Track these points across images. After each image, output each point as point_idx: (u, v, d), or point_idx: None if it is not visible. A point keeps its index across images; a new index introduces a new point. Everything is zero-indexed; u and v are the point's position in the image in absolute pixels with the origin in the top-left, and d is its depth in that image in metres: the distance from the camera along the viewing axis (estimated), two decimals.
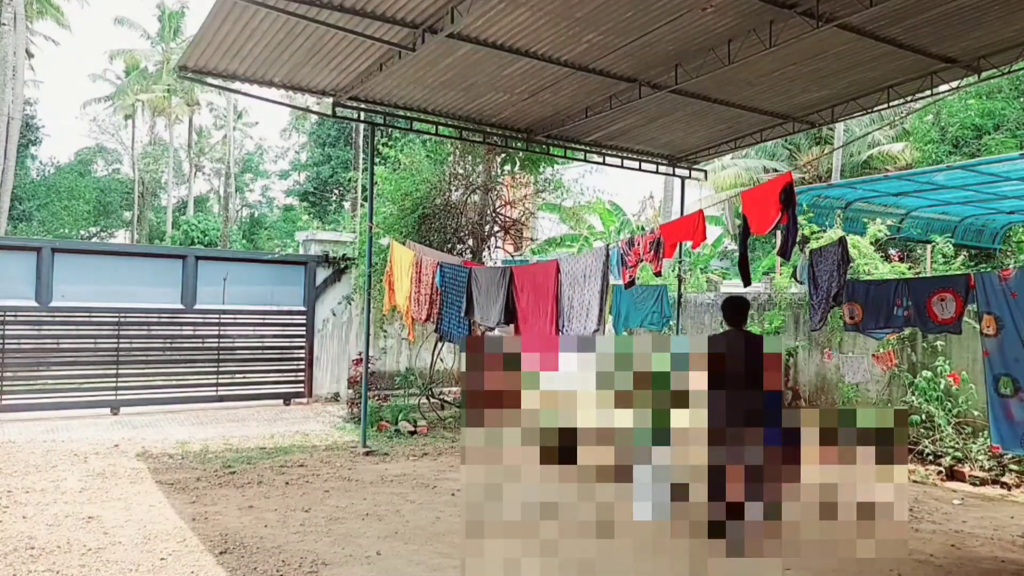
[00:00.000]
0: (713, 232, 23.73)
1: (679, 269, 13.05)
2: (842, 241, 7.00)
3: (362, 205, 16.10)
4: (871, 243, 11.29)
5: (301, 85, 8.85)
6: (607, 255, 7.32)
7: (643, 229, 15.73)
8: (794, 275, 10.43)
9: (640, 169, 11.85)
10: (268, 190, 50.89)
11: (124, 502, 6.71)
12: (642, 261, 7.15)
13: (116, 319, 11.75)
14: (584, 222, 19.76)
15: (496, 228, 12.83)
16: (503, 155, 12.44)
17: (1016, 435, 5.69)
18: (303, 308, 13.44)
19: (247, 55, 7.83)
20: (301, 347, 13.39)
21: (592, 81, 8.57)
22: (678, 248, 7.92)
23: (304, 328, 13.39)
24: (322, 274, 13.68)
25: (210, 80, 8.51)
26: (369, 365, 10.15)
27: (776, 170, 23.27)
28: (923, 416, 9.10)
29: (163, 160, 41.15)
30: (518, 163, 12.58)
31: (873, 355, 9.53)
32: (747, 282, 6.80)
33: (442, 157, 12.74)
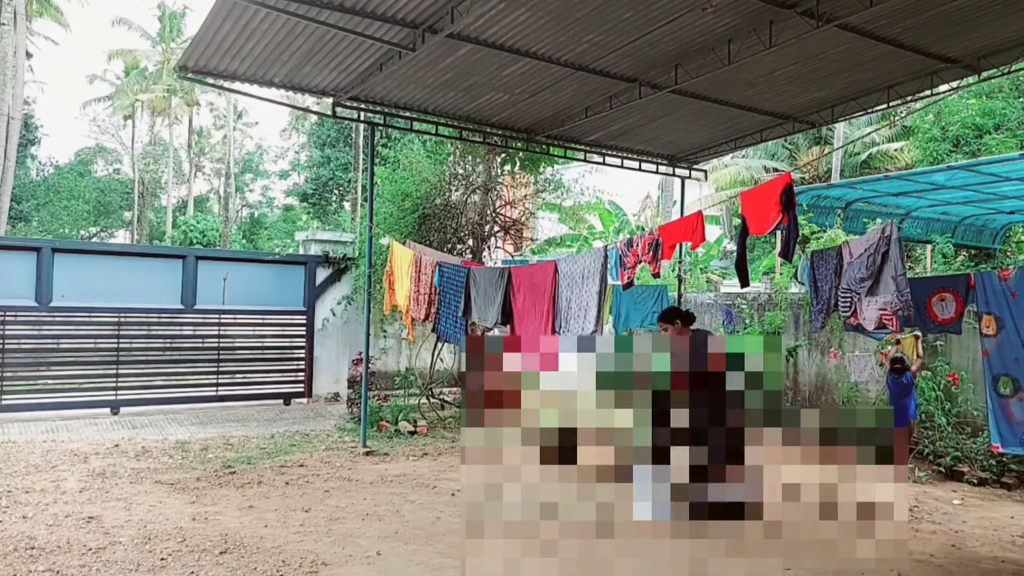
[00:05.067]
0: (713, 232, 23.74)
1: (679, 269, 13.05)
2: (841, 248, 6.99)
3: (362, 205, 16.08)
4: None
5: (301, 85, 8.85)
6: (605, 256, 7.32)
7: (642, 229, 15.74)
8: (795, 276, 10.44)
9: (640, 169, 11.85)
10: (268, 190, 50.92)
11: (124, 502, 6.71)
12: (641, 262, 7.15)
13: (116, 319, 11.75)
14: (584, 222, 19.76)
15: (496, 228, 12.84)
16: (503, 155, 12.44)
17: (1016, 435, 5.69)
18: (303, 308, 13.44)
19: (247, 55, 7.83)
20: (301, 347, 13.39)
21: (592, 81, 8.57)
22: (678, 248, 7.92)
23: (304, 328, 13.39)
24: (322, 274, 13.68)
25: (210, 80, 8.51)
26: (369, 365, 10.15)
27: (776, 170, 23.27)
28: (923, 416, 9.10)
29: (163, 160, 41.16)
30: (518, 163, 12.59)
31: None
32: (745, 283, 6.80)
33: (442, 157, 12.75)
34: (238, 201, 45.91)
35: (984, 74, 8.24)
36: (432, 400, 12.09)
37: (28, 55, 26.93)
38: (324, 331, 13.48)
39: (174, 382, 12.42)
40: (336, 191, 35.98)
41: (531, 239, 16.17)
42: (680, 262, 13.10)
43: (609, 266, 7.36)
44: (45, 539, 5.64)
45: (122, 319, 11.80)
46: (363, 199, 18.87)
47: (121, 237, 42.70)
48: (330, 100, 9.21)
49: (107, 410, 11.59)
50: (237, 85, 8.70)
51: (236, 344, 12.82)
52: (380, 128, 10.45)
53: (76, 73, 76.54)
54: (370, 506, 6.89)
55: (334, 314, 13.53)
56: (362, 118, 10.05)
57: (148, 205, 41.26)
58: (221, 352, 12.67)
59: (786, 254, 6.34)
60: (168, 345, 12.32)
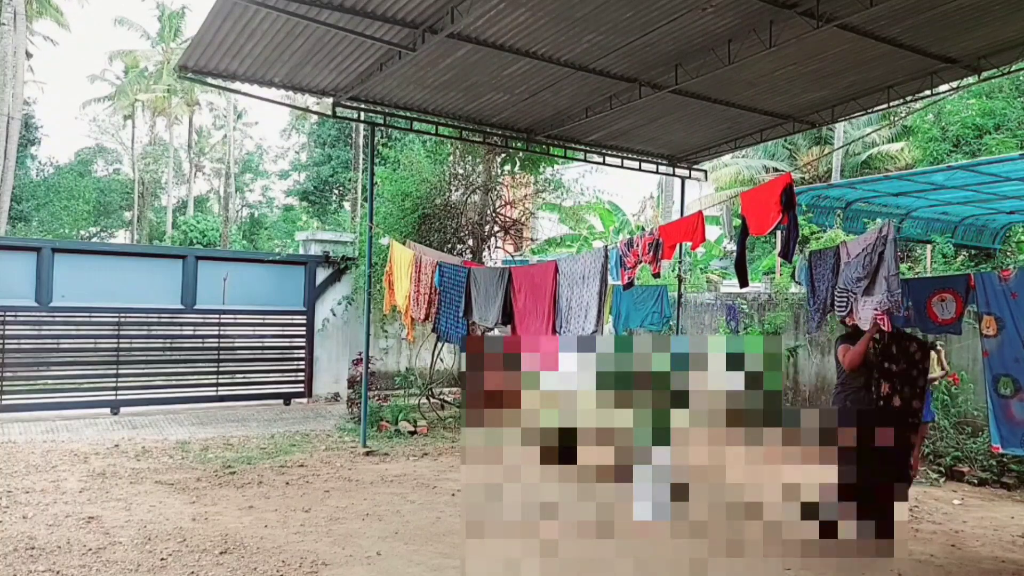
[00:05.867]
0: (713, 232, 23.72)
1: (679, 269, 13.05)
2: (839, 248, 6.98)
3: (362, 205, 16.04)
4: None
5: (301, 85, 8.85)
6: (606, 256, 7.31)
7: (643, 229, 15.73)
8: (793, 276, 10.44)
9: (640, 169, 11.85)
10: (268, 190, 50.91)
11: (124, 502, 6.71)
12: (641, 262, 7.15)
13: (116, 319, 11.74)
14: (584, 222, 19.75)
15: (496, 228, 12.83)
16: (503, 155, 12.43)
17: (1016, 435, 5.69)
18: (303, 308, 13.44)
19: (247, 55, 7.83)
20: (301, 347, 13.38)
21: (592, 81, 8.57)
22: (678, 248, 7.92)
23: (304, 328, 13.39)
24: (322, 274, 13.68)
25: (210, 80, 8.51)
26: (369, 365, 10.15)
27: (776, 170, 23.26)
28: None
29: (163, 160, 41.14)
30: (518, 163, 12.58)
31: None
32: (744, 283, 6.79)
33: (442, 157, 12.74)
34: (238, 201, 45.91)
35: (984, 74, 8.24)
36: (432, 400, 12.09)
37: (28, 55, 26.92)
38: (324, 331, 13.48)
39: (174, 382, 12.42)
40: (336, 190, 35.98)
41: (531, 239, 16.16)
42: (680, 262, 13.10)
43: (609, 266, 7.35)
44: (45, 539, 5.64)
45: (122, 319, 11.80)
46: (363, 199, 18.86)
47: (121, 237, 42.70)
48: (330, 100, 9.21)
49: (107, 410, 11.59)
50: (237, 85, 8.70)
51: (236, 344, 12.82)
52: (380, 128, 10.44)
53: (76, 73, 76.57)
54: (370, 506, 6.89)
55: (334, 314, 13.53)
56: (362, 118, 10.04)
57: (148, 205, 41.26)
58: (221, 352, 12.67)
59: (786, 254, 6.33)
60: (168, 345, 12.31)
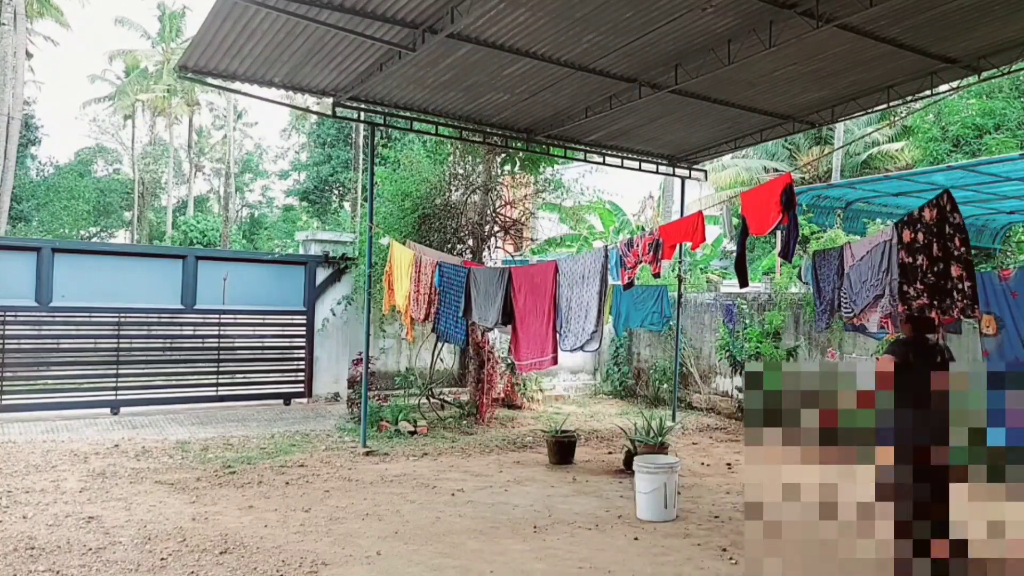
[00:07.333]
0: (713, 232, 23.70)
1: (679, 269, 13.05)
2: (843, 250, 6.98)
3: (362, 205, 16.01)
4: None
5: (301, 85, 8.85)
6: (606, 256, 7.32)
7: (643, 229, 15.72)
8: (799, 275, 10.45)
9: (640, 169, 11.85)
10: (268, 190, 50.88)
11: (124, 502, 6.71)
12: (641, 262, 7.15)
13: (116, 319, 11.74)
14: (584, 222, 19.71)
15: (496, 228, 12.82)
16: (503, 155, 12.43)
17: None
18: (303, 308, 13.43)
19: (247, 55, 7.83)
20: (301, 347, 13.38)
21: (592, 81, 8.57)
22: (678, 248, 7.92)
23: (304, 328, 13.39)
24: (322, 274, 13.67)
25: (210, 80, 8.51)
26: (369, 365, 10.14)
27: (776, 170, 23.25)
28: None
29: (163, 160, 41.14)
30: (518, 163, 12.57)
31: (878, 358, 9.54)
32: (744, 283, 6.80)
33: (442, 157, 12.73)
34: (238, 201, 45.88)
35: (984, 74, 8.25)
36: (432, 400, 12.09)
37: (28, 55, 26.91)
38: (324, 331, 13.48)
39: (174, 382, 12.41)
40: (336, 190, 35.96)
41: (531, 239, 16.12)
42: (680, 262, 13.10)
43: (609, 266, 7.36)
44: (45, 539, 5.64)
45: (122, 319, 11.79)
46: (363, 199, 18.84)
47: (121, 237, 42.67)
48: (330, 100, 9.21)
49: (107, 410, 11.58)
50: (237, 85, 8.71)
51: (236, 344, 12.82)
52: (380, 128, 10.44)
53: (76, 73, 76.51)
54: (370, 506, 6.89)
55: (334, 314, 13.53)
56: (362, 118, 10.04)
57: (148, 205, 41.23)
58: (221, 352, 12.66)
59: (786, 254, 6.34)
60: (168, 345, 12.31)
